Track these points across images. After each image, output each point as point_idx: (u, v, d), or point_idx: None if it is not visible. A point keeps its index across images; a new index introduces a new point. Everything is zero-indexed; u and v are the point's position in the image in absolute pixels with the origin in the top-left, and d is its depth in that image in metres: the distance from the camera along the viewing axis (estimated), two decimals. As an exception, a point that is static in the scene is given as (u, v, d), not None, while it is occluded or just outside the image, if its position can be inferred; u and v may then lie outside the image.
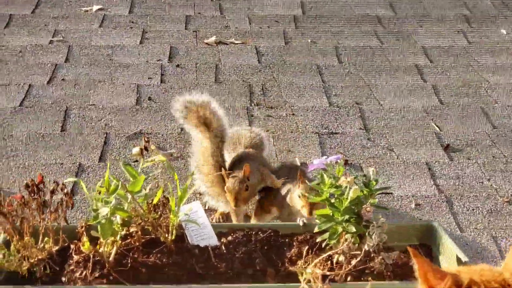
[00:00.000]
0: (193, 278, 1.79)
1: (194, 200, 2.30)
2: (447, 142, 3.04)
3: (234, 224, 2.21)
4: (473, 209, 2.59)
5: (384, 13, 4.44)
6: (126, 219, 1.80)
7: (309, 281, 1.66)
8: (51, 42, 3.90)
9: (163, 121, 3.14)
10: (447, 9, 4.52)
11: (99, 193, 1.73)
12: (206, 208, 2.38)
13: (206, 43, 3.96)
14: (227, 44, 3.96)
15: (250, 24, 4.25)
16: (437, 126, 3.17)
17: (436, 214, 2.56)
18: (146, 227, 1.84)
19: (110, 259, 1.75)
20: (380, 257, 1.74)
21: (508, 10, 4.52)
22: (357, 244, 1.76)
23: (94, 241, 1.79)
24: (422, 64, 3.78)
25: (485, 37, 4.15)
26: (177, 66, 3.68)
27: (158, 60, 3.74)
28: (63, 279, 1.75)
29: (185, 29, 4.15)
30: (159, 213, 1.85)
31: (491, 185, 2.74)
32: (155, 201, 1.84)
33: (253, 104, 3.32)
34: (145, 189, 1.83)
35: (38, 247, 1.75)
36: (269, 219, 2.31)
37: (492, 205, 2.61)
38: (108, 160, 2.81)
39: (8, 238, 1.75)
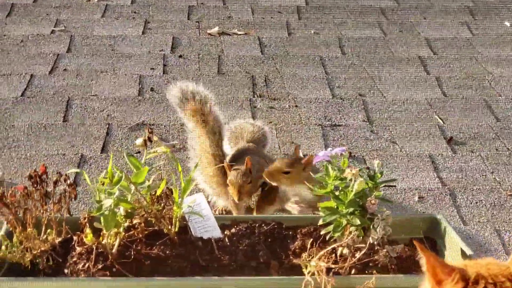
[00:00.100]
0: (197, 270, 1.78)
1: (197, 192, 2.29)
2: (450, 134, 3.03)
3: (237, 216, 2.20)
4: (476, 202, 2.58)
5: (388, 4, 4.42)
6: (129, 210, 1.79)
7: (313, 273, 1.66)
8: (53, 32, 3.89)
9: (165, 112, 3.13)
10: (450, 0, 4.50)
11: (102, 184, 1.72)
12: (209, 200, 2.37)
13: (209, 34, 3.94)
14: (230, 35, 3.95)
15: (253, 14, 4.23)
16: (440, 118, 3.16)
17: (439, 207, 2.55)
18: (149, 218, 1.83)
19: (113, 251, 1.75)
20: (385, 250, 1.74)
21: (512, 2, 4.50)
22: (361, 237, 1.75)
23: (97, 232, 1.78)
24: (426, 56, 3.77)
25: (489, 29, 4.13)
26: (180, 56, 3.66)
27: (160, 51, 3.72)
28: (66, 271, 1.74)
29: (188, 19, 4.13)
30: (162, 204, 1.84)
31: (495, 178, 2.73)
32: (158, 193, 1.84)
33: (256, 96, 3.30)
34: (148, 181, 1.82)
35: (41, 239, 1.74)
36: (271, 211, 2.30)
37: (496, 198, 2.60)
38: (111, 151, 2.80)
39: (11, 229, 1.74)
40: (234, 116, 3.07)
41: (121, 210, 1.76)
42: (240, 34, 3.95)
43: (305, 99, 3.28)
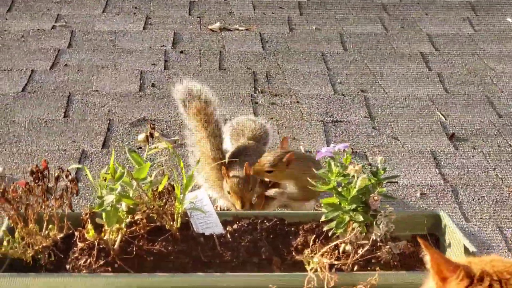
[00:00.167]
0: (199, 266, 1.78)
1: (199, 188, 2.28)
2: (452, 131, 3.02)
3: (239, 212, 2.19)
4: (478, 199, 2.57)
5: None
6: (131, 206, 1.78)
7: (316, 270, 1.65)
8: (53, 27, 3.87)
9: (166, 107, 3.12)
10: (452, -4, 4.49)
11: (104, 180, 1.71)
12: (211, 196, 2.36)
13: (210, 29, 3.93)
14: (231, 30, 3.93)
15: (254, 10, 4.21)
16: (442, 114, 3.15)
17: (441, 203, 2.54)
18: (151, 214, 1.83)
19: (115, 246, 1.74)
20: (388, 246, 1.73)
21: (514, -2, 4.49)
22: (364, 234, 1.75)
23: (98, 228, 1.78)
24: (427, 52, 3.76)
25: (491, 25, 4.12)
26: (181, 52, 3.65)
27: (161, 46, 3.71)
28: (68, 266, 1.74)
29: (189, 15, 4.12)
30: (164, 200, 1.84)
31: (497, 175, 2.73)
32: (160, 189, 1.83)
33: (257, 92, 3.30)
34: (150, 176, 1.82)
35: (42, 234, 1.74)
36: (275, 207, 2.29)
37: (498, 195, 2.59)
38: (112, 147, 2.79)
39: (12, 225, 1.74)
40: (236, 112, 3.06)
41: (123, 206, 1.76)
42: (242, 30, 3.94)
43: (307, 95, 3.27)
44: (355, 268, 1.71)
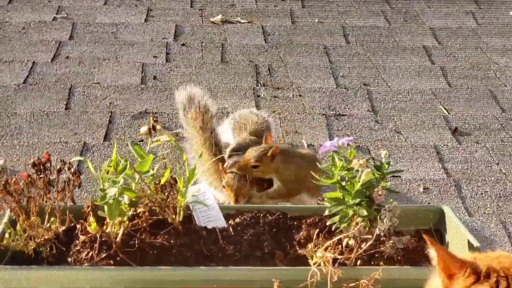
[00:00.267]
0: (201, 259, 1.76)
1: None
2: (455, 125, 3.01)
3: (242, 206, 2.18)
4: (481, 194, 2.56)
5: (392, -7, 4.39)
6: (134, 199, 1.77)
7: (319, 264, 1.64)
8: (55, 19, 3.86)
9: (168, 100, 3.10)
10: (456, -10, 4.47)
11: (107, 173, 1.70)
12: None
13: (212, 22, 3.91)
14: (233, 23, 3.92)
15: (256, 2, 4.19)
16: (445, 109, 3.14)
17: (444, 198, 2.53)
18: (153, 207, 1.82)
19: (117, 239, 1.73)
20: (391, 241, 1.72)
21: (517, -8, 4.46)
22: (367, 228, 1.74)
23: (100, 221, 1.77)
24: (430, 45, 3.74)
25: (494, 18, 4.10)
26: (183, 45, 3.64)
27: (163, 39, 3.69)
28: (69, 259, 1.73)
29: (191, 7, 4.10)
30: (166, 193, 1.82)
31: (500, 169, 2.72)
32: (162, 182, 1.82)
33: (259, 85, 3.28)
34: (153, 170, 1.80)
35: (44, 227, 1.72)
36: (276, 203, 2.28)
37: (501, 190, 2.58)
38: (114, 140, 2.78)
39: (14, 217, 1.73)
40: (238, 105, 3.05)
41: (125, 199, 1.75)
42: (244, 23, 3.92)
43: (309, 88, 3.26)
44: (358, 262, 1.70)
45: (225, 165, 2.24)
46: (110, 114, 2.97)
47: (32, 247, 1.71)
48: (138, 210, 1.81)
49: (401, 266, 1.71)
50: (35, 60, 3.39)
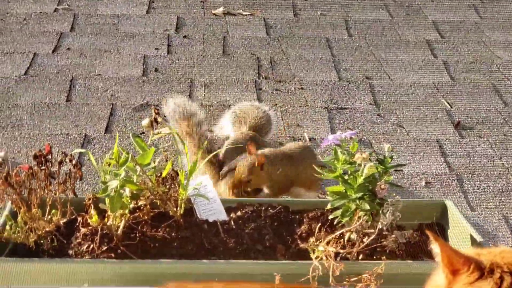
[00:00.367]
0: (202, 253, 1.76)
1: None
2: (458, 119, 3.00)
3: (243, 199, 2.17)
4: (484, 188, 2.56)
5: (395, -14, 4.37)
6: (135, 192, 1.76)
7: (321, 258, 1.64)
8: (56, 10, 3.84)
9: (169, 92, 3.09)
10: (459, -17, 4.44)
11: (108, 165, 1.69)
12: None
13: (214, 14, 3.90)
14: (235, 15, 3.90)
15: (258, -5, 4.18)
16: (447, 102, 3.13)
17: (446, 192, 2.52)
18: (154, 200, 1.81)
19: (118, 232, 1.72)
20: (394, 235, 1.71)
21: (521, -15, 4.44)
22: (369, 222, 1.73)
23: (101, 214, 1.76)
24: (433, 39, 3.72)
25: (497, 12, 4.08)
26: (184, 37, 3.62)
27: (165, 31, 3.68)
28: (70, 252, 1.72)
29: (193, -1, 4.08)
30: (168, 186, 1.82)
31: (503, 164, 2.71)
32: (164, 174, 1.81)
33: (261, 78, 3.27)
34: (154, 162, 1.80)
35: (45, 219, 1.72)
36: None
37: (504, 184, 2.58)
38: (116, 132, 2.77)
39: (15, 209, 1.72)
40: (239, 98, 3.04)
41: (126, 192, 1.74)
42: (246, 15, 3.91)
43: (311, 82, 3.25)
44: (361, 257, 1.69)
45: (220, 172, 2.25)
46: (111, 106, 2.96)
47: (33, 240, 1.70)
48: (139, 203, 1.80)
49: (403, 261, 1.70)
50: (36, 52, 3.37)
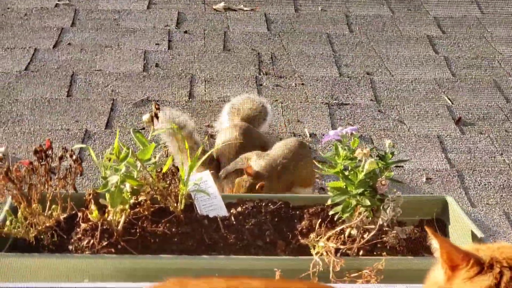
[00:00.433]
0: (202, 248, 1.76)
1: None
2: (459, 115, 2.99)
3: (244, 195, 2.17)
4: (485, 184, 2.55)
5: (396, -18, 4.36)
6: (135, 187, 1.76)
7: (321, 254, 1.63)
8: (57, 5, 3.84)
9: (170, 88, 3.09)
10: (460, -21, 4.43)
11: (109, 160, 1.69)
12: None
13: (215, 9, 3.89)
14: (235, 10, 3.89)
15: (259, -10, 4.17)
16: (449, 98, 3.12)
17: (447, 188, 2.52)
18: (155, 196, 1.81)
19: (119, 228, 1.72)
20: (394, 231, 1.71)
21: (523, -19, 4.43)
22: (370, 218, 1.73)
23: (102, 209, 1.76)
24: (434, 35, 3.72)
25: (499, 8, 4.07)
26: (185, 32, 3.62)
27: (165, 26, 3.67)
28: (70, 247, 1.72)
29: (193, -6, 4.08)
30: (168, 182, 1.82)
31: (504, 160, 2.70)
32: (164, 170, 1.81)
33: (262, 73, 3.26)
34: (155, 158, 1.79)
35: (45, 215, 1.72)
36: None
37: (505, 181, 2.57)
38: (116, 127, 2.77)
39: (15, 204, 1.72)
40: (240, 93, 3.03)
41: (127, 187, 1.74)
42: (246, 10, 3.90)
43: (312, 77, 3.24)
44: (361, 252, 1.69)
45: (219, 175, 2.26)
46: (112, 101, 2.96)
47: (33, 235, 1.70)
48: (140, 198, 1.80)
49: (403, 257, 1.70)
50: (37, 47, 3.37)
